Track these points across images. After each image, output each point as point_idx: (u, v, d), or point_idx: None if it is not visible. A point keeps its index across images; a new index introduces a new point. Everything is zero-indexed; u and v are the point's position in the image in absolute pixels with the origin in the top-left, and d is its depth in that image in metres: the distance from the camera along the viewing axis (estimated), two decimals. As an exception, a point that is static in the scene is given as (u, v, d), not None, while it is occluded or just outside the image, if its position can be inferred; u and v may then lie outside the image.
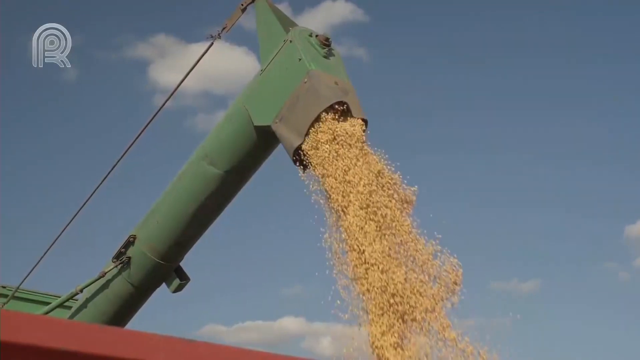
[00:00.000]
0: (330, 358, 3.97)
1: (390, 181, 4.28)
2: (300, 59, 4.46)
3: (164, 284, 5.58)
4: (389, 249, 4.02)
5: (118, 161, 5.42)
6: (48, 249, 5.77)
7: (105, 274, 5.43)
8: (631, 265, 19.46)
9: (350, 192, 4.10)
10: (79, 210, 5.61)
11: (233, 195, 5.20)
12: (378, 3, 21.67)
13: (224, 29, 5.05)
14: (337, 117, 4.31)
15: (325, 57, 4.57)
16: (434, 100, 20.55)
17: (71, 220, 5.66)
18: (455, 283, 4.05)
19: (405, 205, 4.29)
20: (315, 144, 4.27)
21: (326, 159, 4.21)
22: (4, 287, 6.40)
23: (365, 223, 4.03)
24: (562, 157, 19.90)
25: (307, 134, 4.28)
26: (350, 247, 4.03)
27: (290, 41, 4.55)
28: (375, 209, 4.08)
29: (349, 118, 4.35)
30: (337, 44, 4.72)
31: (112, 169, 5.45)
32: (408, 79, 20.94)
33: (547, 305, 18.06)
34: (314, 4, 20.42)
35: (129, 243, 5.36)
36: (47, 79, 20.20)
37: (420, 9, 21.00)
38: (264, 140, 4.75)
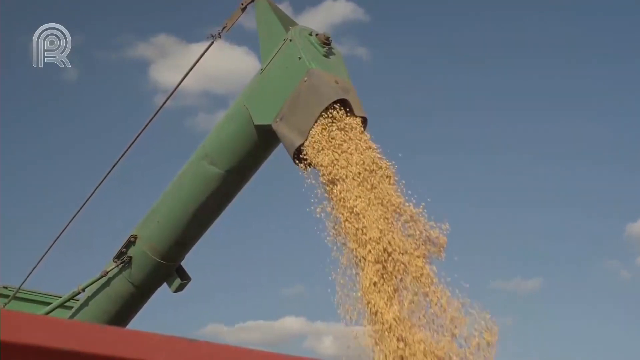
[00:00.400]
0: (332, 357, 3.82)
1: (411, 218, 3.89)
2: (300, 58, 4.45)
3: (165, 284, 5.59)
4: (407, 308, 3.59)
5: (118, 161, 5.43)
6: (48, 249, 5.78)
7: (107, 273, 5.44)
8: (632, 263, 19.47)
9: (367, 242, 3.72)
10: (79, 210, 5.63)
11: (233, 195, 5.19)
12: (379, 3, 21.70)
13: (224, 28, 5.05)
14: (345, 134, 4.13)
15: (325, 56, 4.56)
16: (434, 100, 20.56)
17: (71, 220, 5.67)
18: (489, 344, 3.59)
19: (432, 250, 3.83)
20: (332, 179, 4.03)
21: (342, 199, 3.94)
22: (5, 288, 6.41)
23: (382, 280, 3.63)
24: (562, 157, 19.91)
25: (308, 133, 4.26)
26: (364, 306, 3.64)
27: (290, 40, 4.55)
28: (392, 260, 3.66)
29: (362, 144, 4.09)
30: (338, 44, 4.72)
31: (112, 168, 5.46)
32: (408, 79, 20.95)
33: (548, 304, 18.11)
34: (314, 3, 20.42)
35: (130, 243, 5.36)
36: (47, 79, 20.20)
37: (420, 9, 21.02)
38: (264, 140, 4.75)
